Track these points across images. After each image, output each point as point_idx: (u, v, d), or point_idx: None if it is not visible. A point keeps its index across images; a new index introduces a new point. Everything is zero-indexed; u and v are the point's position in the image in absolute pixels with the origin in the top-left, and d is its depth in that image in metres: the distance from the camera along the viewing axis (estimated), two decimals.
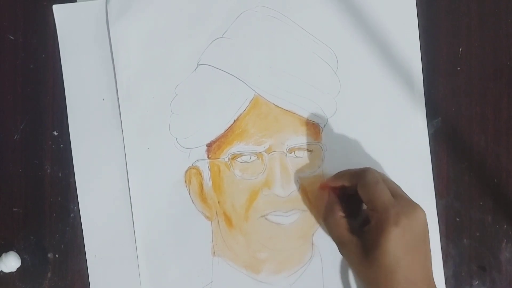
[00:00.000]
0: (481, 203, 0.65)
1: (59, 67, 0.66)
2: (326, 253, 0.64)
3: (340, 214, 0.60)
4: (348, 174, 0.60)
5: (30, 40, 0.66)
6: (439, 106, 0.65)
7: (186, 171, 0.65)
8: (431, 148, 0.65)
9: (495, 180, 0.65)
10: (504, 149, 0.65)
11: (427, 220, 0.56)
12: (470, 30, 0.66)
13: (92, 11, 0.66)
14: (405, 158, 0.65)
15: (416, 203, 0.56)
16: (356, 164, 0.63)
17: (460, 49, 0.66)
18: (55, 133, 0.66)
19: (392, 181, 0.61)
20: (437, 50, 0.66)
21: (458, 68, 0.66)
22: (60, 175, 0.65)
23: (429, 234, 0.57)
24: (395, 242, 0.53)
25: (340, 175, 0.61)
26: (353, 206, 0.61)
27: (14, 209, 0.65)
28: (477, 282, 0.65)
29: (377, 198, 0.55)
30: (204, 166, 0.65)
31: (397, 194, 0.57)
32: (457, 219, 0.65)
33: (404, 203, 0.55)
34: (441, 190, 0.65)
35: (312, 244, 0.65)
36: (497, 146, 0.65)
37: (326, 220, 0.62)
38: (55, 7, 0.66)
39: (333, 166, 0.64)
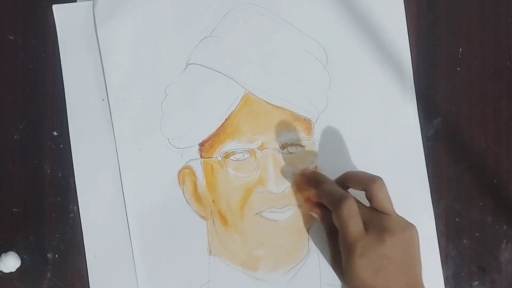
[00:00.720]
0: (481, 204, 0.65)
1: (59, 67, 0.66)
2: (323, 248, 0.64)
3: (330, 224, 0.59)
4: (329, 198, 0.59)
5: (30, 40, 0.66)
6: (439, 106, 0.65)
7: (180, 171, 0.65)
8: (431, 149, 0.65)
9: (495, 181, 0.65)
10: (504, 149, 0.65)
11: (416, 235, 0.56)
12: (470, 31, 0.66)
13: (92, 11, 0.65)
14: (398, 149, 0.65)
15: (391, 229, 0.55)
16: (348, 158, 0.64)
17: (460, 50, 0.66)
18: (55, 133, 0.66)
19: (382, 200, 0.57)
20: (437, 50, 0.66)
21: (458, 69, 0.66)
22: (59, 175, 0.65)
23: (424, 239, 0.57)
24: (364, 271, 0.54)
25: (321, 193, 0.60)
26: None
27: (13, 209, 0.65)
28: (477, 282, 0.65)
29: (346, 232, 0.55)
30: (197, 166, 0.65)
31: (370, 225, 0.56)
32: (457, 219, 0.65)
33: (373, 235, 0.55)
34: (441, 190, 0.65)
35: (308, 239, 0.65)
36: (497, 147, 0.65)
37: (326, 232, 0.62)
38: (55, 7, 0.66)
39: (326, 160, 0.65)
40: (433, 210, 0.64)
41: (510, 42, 0.66)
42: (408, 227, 0.56)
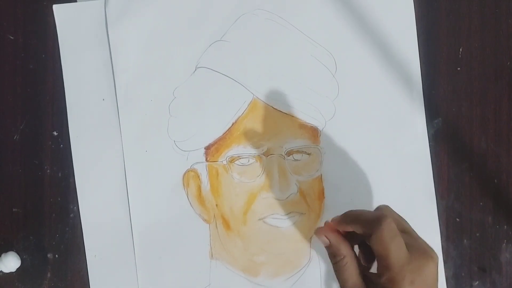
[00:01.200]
0: (481, 204, 0.65)
1: (59, 67, 0.66)
2: (324, 256, 0.64)
3: (352, 256, 0.54)
4: (361, 221, 0.54)
5: (30, 40, 0.66)
6: (439, 106, 0.65)
7: (184, 174, 0.65)
8: (432, 149, 0.65)
9: (496, 181, 0.65)
10: (505, 149, 0.65)
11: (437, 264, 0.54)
12: (471, 31, 0.66)
13: (92, 11, 0.65)
14: (405, 160, 0.65)
15: (429, 251, 0.53)
16: (354, 167, 0.64)
17: (461, 50, 0.66)
18: (55, 133, 0.66)
19: (403, 220, 0.57)
20: (437, 50, 0.66)
21: (459, 69, 0.66)
22: (59, 175, 0.65)
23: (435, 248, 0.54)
24: None
25: (350, 219, 0.55)
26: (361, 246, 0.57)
27: (13, 209, 0.65)
28: (477, 282, 0.65)
29: (392, 255, 0.50)
30: (202, 169, 0.64)
31: (410, 245, 0.52)
32: (458, 219, 0.65)
33: (417, 258, 0.51)
34: (442, 191, 0.65)
35: (310, 247, 0.65)
36: (497, 147, 0.65)
37: (335, 265, 0.55)
38: (55, 7, 0.66)
39: (331, 169, 0.64)
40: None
41: (510, 42, 0.66)
42: (434, 251, 0.53)
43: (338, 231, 0.56)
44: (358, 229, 0.54)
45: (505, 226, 0.65)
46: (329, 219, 0.58)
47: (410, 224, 0.57)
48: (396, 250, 0.51)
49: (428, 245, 0.54)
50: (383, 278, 0.51)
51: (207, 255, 0.64)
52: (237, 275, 0.64)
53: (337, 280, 0.55)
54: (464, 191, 0.65)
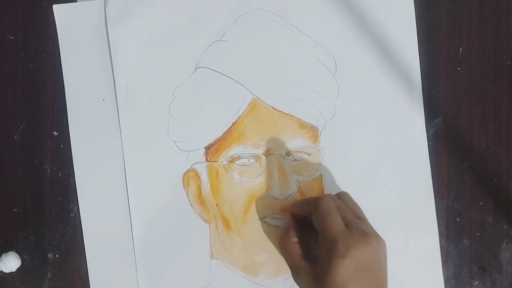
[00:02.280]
0: (481, 204, 0.65)
1: (59, 67, 0.66)
2: None
3: (294, 239, 0.59)
4: (303, 202, 0.61)
5: (30, 40, 0.66)
6: (439, 106, 0.65)
7: (184, 174, 0.65)
8: (432, 149, 0.65)
9: (496, 181, 0.65)
10: (505, 149, 0.65)
11: (384, 248, 0.56)
12: (471, 30, 0.66)
13: (92, 11, 0.65)
14: (404, 160, 0.65)
15: (370, 234, 0.55)
16: (354, 167, 0.64)
17: (461, 49, 0.66)
18: (55, 133, 0.66)
19: (353, 206, 0.60)
20: (437, 50, 0.66)
21: (458, 68, 0.66)
22: (60, 175, 0.65)
23: (385, 259, 0.56)
24: (343, 273, 0.52)
25: (298, 203, 0.62)
26: (310, 231, 0.59)
27: (14, 209, 0.65)
28: (477, 282, 0.65)
29: (327, 228, 0.55)
30: (202, 169, 0.64)
31: (352, 224, 0.55)
32: (458, 219, 0.65)
33: (356, 234, 0.54)
34: (442, 190, 0.65)
35: None
36: (497, 147, 0.65)
37: (280, 244, 0.61)
38: (55, 7, 0.66)
39: (331, 169, 0.65)
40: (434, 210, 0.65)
41: (510, 42, 0.66)
42: (382, 239, 0.56)
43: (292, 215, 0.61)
44: (303, 211, 0.59)
45: (505, 226, 0.65)
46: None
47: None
48: (332, 223, 0.55)
49: (374, 231, 0.57)
50: (322, 250, 0.55)
51: (207, 254, 0.64)
52: (237, 275, 0.64)
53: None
54: (464, 190, 0.65)
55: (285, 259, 0.60)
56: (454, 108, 0.65)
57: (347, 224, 0.55)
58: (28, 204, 0.65)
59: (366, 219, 0.59)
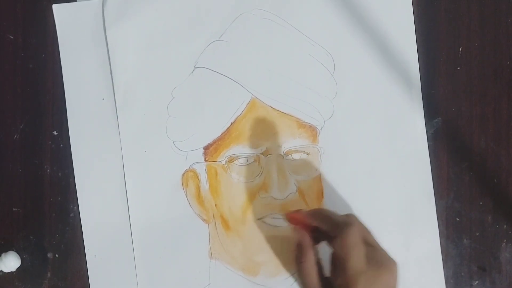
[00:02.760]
0: (481, 203, 0.65)
1: (59, 67, 0.66)
2: (323, 256, 0.64)
3: (313, 262, 0.57)
4: (331, 221, 0.57)
5: (30, 40, 0.66)
6: (439, 106, 0.65)
7: (183, 174, 0.65)
8: (431, 148, 0.65)
9: (495, 180, 0.65)
10: (504, 149, 0.65)
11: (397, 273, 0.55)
12: (470, 30, 0.66)
13: (91, 11, 0.65)
14: (404, 160, 0.65)
15: (387, 263, 0.55)
16: (353, 166, 0.64)
17: (460, 49, 0.66)
18: (55, 133, 0.66)
19: (369, 233, 0.58)
20: (437, 50, 0.66)
21: (458, 68, 0.66)
22: (60, 175, 0.65)
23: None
24: None
25: (320, 216, 0.59)
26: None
27: (14, 209, 0.65)
28: (477, 282, 0.65)
29: (350, 262, 0.53)
30: (201, 169, 0.64)
31: (370, 256, 0.54)
32: (457, 219, 0.65)
33: (375, 269, 0.54)
34: (441, 190, 0.65)
35: None
36: (497, 146, 0.65)
37: (297, 265, 0.58)
38: (55, 7, 0.66)
39: (330, 168, 0.65)
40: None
41: (510, 42, 0.66)
42: (395, 262, 0.55)
43: (306, 231, 0.58)
44: (325, 227, 0.57)
45: (505, 226, 0.65)
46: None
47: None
48: (355, 257, 0.53)
49: (388, 257, 0.56)
50: (338, 280, 0.54)
51: (206, 255, 0.64)
52: (237, 275, 0.64)
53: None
54: (464, 190, 0.65)
55: (299, 280, 0.59)
56: (454, 108, 0.65)
57: (367, 256, 0.54)
58: (28, 204, 0.65)
59: (377, 242, 0.58)
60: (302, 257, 0.57)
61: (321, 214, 0.59)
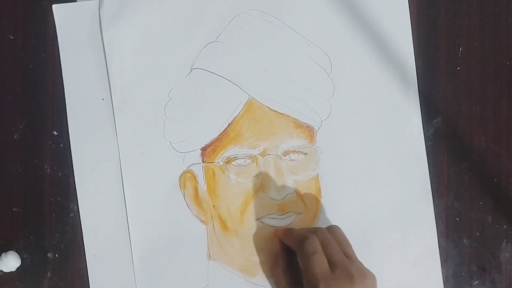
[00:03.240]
0: (481, 203, 0.65)
1: (59, 67, 0.66)
2: None
3: (282, 268, 0.60)
4: (293, 237, 0.60)
5: (30, 40, 0.66)
6: (439, 106, 0.65)
7: (181, 175, 0.65)
8: (431, 148, 0.65)
9: (495, 180, 0.65)
10: (504, 149, 0.65)
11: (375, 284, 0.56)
12: (470, 30, 0.66)
13: (91, 11, 0.65)
14: (401, 159, 0.65)
15: (355, 274, 0.54)
16: (351, 166, 0.64)
17: (460, 49, 0.66)
18: (55, 133, 0.66)
19: (342, 242, 0.59)
20: (437, 49, 0.66)
21: (458, 68, 0.66)
22: (59, 174, 0.65)
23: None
24: None
25: (287, 234, 0.61)
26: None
27: (13, 209, 0.65)
28: (477, 282, 0.65)
29: (310, 269, 0.55)
30: (198, 170, 0.64)
31: (337, 264, 0.55)
32: (457, 219, 0.65)
33: (340, 278, 0.54)
34: (441, 190, 0.65)
35: None
36: (497, 146, 0.65)
37: (269, 271, 0.63)
38: (54, 7, 0.66)
39: (328, 168, 0.65)
40: (433, 209, 0.64)
41: (510, 42, 0.66)
42: (370, 275, 0.56)
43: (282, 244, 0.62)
44: (289, 244, 0.60)
45: (505, 226, 0.65)
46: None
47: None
48: (314, 265, 0.55)
49: (366, 270, 0.56)
50: None
51: (204, 255, 0.64)
52: (235, 275, 0.64)
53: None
54: (464, 190, 0.65)
55: (272, 285, 0.62)
56: (454, 108, 0.65)
57: (332, 265, 0.55)
58: (28, 203, 0.65)
59: (355, 257, 0.59)
60: (273, 263, 0.61)
61: (288, 232, 0.62)
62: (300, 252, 0.57)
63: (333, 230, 0.61)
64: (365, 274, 0.55)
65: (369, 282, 0.55)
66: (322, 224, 0.64)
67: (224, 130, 0.64)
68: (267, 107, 0.64)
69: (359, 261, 0.58)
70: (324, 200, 0.64)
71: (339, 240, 0.59)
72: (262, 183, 0.64)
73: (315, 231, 0.59)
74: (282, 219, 0.64)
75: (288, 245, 0.61)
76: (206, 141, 0.64)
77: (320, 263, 0.55)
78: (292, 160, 0.64)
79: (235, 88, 0.64)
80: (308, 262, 0.55)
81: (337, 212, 0.64)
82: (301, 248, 0.57)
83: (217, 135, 0.64)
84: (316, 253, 0.56)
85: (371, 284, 0.55)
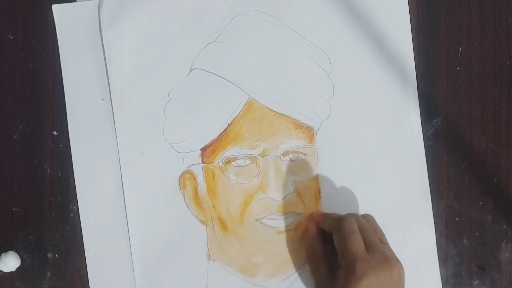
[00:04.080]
0: (481, 203, 0.65)
1: (59, 67, 0.66)
2: None
3: (319, 252, 0.60)
4: (329, 219, 0.61)
5: (30, 40, 0.66)
6: (439, 106, 0.65)
7: (181, 175, 0.65)
8: (431, 148, 0.65)
9: (495, 180, 0.65)
10: (504, 149, 0.65)
11: (403, 274, 0.56)
12: (470, 30, 0.66)
13: (91, 11, 0.65)
14: (400, 159, 0.65)
15: (391, 259, 0.55)
16: (350, 167, 0.64)
17: (460, 49, 0.66)
18: (55, 133, 0.66)
19: (377, 230, 0.60)
20: (437, 49, 0.66)
21: (458, 68, 0.66)
22: (59, 175, 0.65)
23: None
24: None
25: (324, 217, 0.63)
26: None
27: (13, 209, 0.65)
28: (476, 282, 0.65)
29: (347, 248, 0.56)
30: (198, 171, 0.64)
31: (374, 246, 0.56)
32: (457, 219, 0.65)
33: (376, 258, 0.55)
34: (441, 190, 0.65)
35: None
36: (497, 146, 0.65)
37: (308, 255, 0.63)
38: (54, 7, 0.66)
39: (327, 169, 0.65)
40: (433, 209, 0.65)
41: (510, 42, 0.66)
42: (401, 266, 0.56)
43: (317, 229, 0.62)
44: (326, 227, 0.60)
45: (505, 226, 0.65)
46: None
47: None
48: (352, 244, 0.56)
49: (395, 256, 0.57)
50: (340, 271, 0.56)
51: (204, 256, 0.64)
52: (235, 276, 0.64)
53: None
54: (464, 190, 0.65)
55: (310, 268, 0.62)
56: (454, 108, 0.65)
57: (368, 247, 0.56)
58: (28, 203, 0.65)
59: (389, 244, 0.59)
60: (308, 246, 0.61)
61: (324, 215, 0.63)
62: (338, 232, 0.57)
63: (367, 217, 0.61)
64: (398, 262, 0.56)
65: (402, 270, 0.56)
66: None
67: (224, 131, 0.64)
68: (267, 107, 0.64)
69: (391, 249, 0.58)
70: (323, 201, 0.64)
71: (373, 227, 0.60)
72: (261, 184, 0.64)
73: (351, 215, 0.60)
74: (282, 219, 0.64)
75: (324, 228, 0.61)
76: (206, 141, 0.64)
77: (357, 243, 0.56)
78: (291, 160, 0.64)
79: (235, 88, 0.64)
80: (346, 241, 0.56)
81: (337, 212, 0.64)
82: (339, 227, 0.57)
83: (216, 135, 0.64)
84: (354, 232, 0.56)
85: (402, 273, 0.56)
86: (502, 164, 0.65)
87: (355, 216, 0.60)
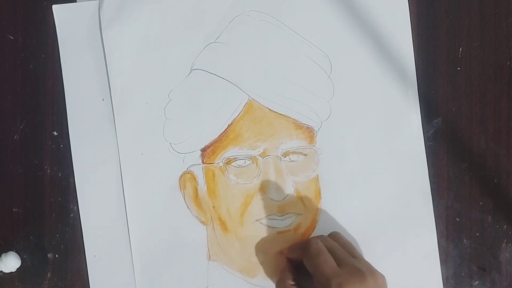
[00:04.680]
0: (481, 204, 0.65)
1: (59, 67, 0.66)
2: None
3: (290, 283, 0.60)
4: (295, 246, 0.61)
5: (30, 40, 0.66)
6: (439, 106, 0.65)
7: (181, 176, 0.65)
8: (431, 149, 0.65)
9: (495, 181, 0.65)
10: (504, 149, 0.65)
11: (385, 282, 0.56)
12: (470, 30, 0.66)
13: (91, 11, 0.65)
14: (401, 160, 0.65)
15: (365, 270, 0.55)
16: (351, 167, 0.64)
17: (460, 49, 0.66)
18: (55, 133, 0.66)
19: (346, 245, 0.60)
20: (437, 50, 0.66)
21: (458, 68, 0.66)
22: (60, 175, 0.65)
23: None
24: None
25: (291, 248, 0.62)
26: (308, 276, 0.59)
27: (14, 209, 0.65)
28: (477, 282, 0.65)
29: (319, 269, 0.55)
30: (198, 171, 0.64)
31: (345, 262, 0.56)
32: (457, 219, 0.65)
33: (350, 272, 0.54)
34: (441, 190, 0.65)
35: None
36: (497, 146, 0.65)
37: (277, 286, 0.62)
38: (55, 7, 0.66)
39: (327, 169, 0.64)
40: (433, 210, 0.64)
41: (510, 42, 0.66)
42: (380, 274, 0.56)
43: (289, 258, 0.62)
44: (296, 254, 0.60)
45: (505, 226, 0.65)
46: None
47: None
48: (322, 264, 0.55)
49: (370, 268, 0.56)
50: None
51: (204, 256, 0.64)
52: (235, 276, 0.64)
53: None
54: (464, 190, 0.65)
55: None
56: (454, 108, 0.65)
57: (339, 263, 0.56)
58: (28, 204, 0.65)
59: (362, 256, 0.60)
60: (280, 279, 0.61)
61: (291, 246, 0.63)
62: (306, 256, 0.57)
63: (334, 235, 0.61)
64: (375, 272, 0.56)
65: (380, 280, 0.55)
66: (322, 225, 0.64)
67: (224, 131, 0.64)
68: (267, 108, 0.64)
69: (366, 261, 0.58)
70: (324, 201, 0.64)
71: (342, 244, 0.60)
72: (262, 184, 0.64)
73: (317, 237, 0.60)
74: (282, 220, 0.64)
75: (294, 257, 0.61)
76: (206, 142, 0.64)
77: (328, 261, 0.55)
78: (292, 161, 0.64)
79: (235, 89, 0.64)
80: (316, 262, 0.56)
81: (337, 213, 0.64)
82: (307, 251, 0.57)
83: (217, 136, 0.64)
84: (321, 252, 0.56)
85: (382, 282, 0.55)
86: (502, 165, 0.65)
87: (321, 237, 0.60)
